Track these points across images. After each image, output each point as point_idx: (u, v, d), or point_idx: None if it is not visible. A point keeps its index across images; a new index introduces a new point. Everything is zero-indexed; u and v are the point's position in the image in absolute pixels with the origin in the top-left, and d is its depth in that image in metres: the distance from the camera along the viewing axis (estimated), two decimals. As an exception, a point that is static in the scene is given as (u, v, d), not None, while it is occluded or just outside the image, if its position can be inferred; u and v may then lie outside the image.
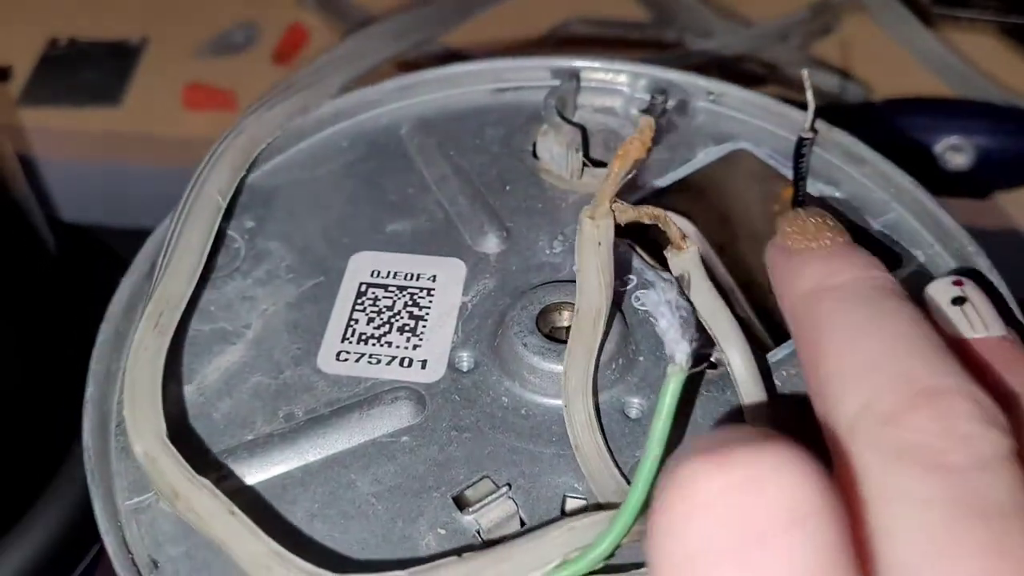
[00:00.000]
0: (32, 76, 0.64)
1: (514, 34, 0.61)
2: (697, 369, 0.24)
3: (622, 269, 0.29)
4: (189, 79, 0.64)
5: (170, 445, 0.23)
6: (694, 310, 0.25)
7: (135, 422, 0.24)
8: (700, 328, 0.20)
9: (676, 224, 0.24)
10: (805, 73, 0.30)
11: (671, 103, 0.35)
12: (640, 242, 0.31)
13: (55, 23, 0.68)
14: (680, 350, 0.19)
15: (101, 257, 0.59)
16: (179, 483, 0.22)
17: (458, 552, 0.22)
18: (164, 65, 0.66)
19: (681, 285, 0.25)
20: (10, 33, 0.68)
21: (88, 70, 0.66)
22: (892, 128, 0.54)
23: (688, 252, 0.24)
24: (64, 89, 0.64)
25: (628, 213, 0.23)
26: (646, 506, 0.19)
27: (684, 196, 0.35)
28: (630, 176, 0.23)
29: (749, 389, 0.25)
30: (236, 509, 0.22)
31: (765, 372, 0.26)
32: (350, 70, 0.34)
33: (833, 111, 0.56)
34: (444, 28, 0.54)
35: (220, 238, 0.31)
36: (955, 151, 0.53)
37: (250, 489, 0.25)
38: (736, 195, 0.37)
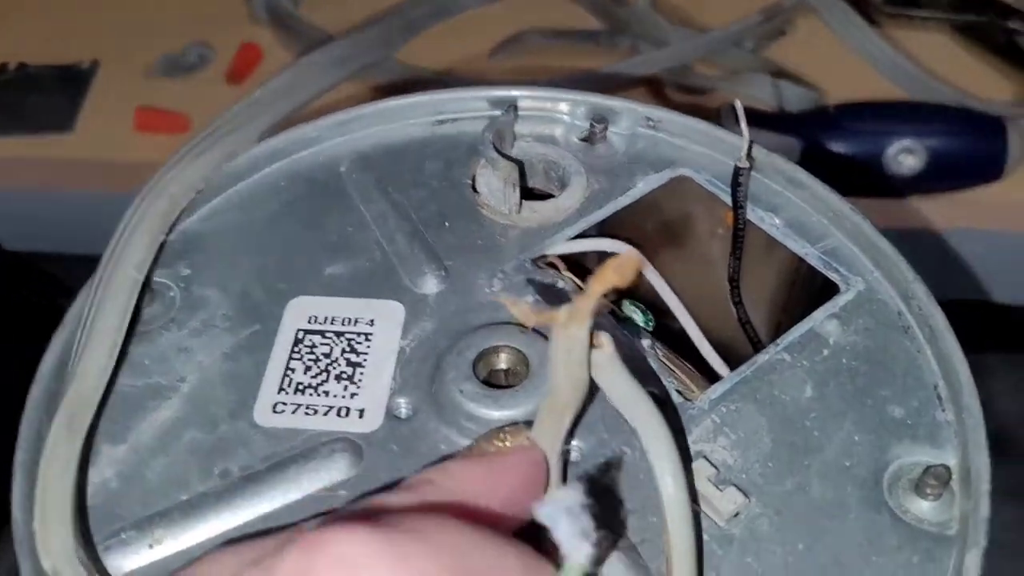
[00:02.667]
0: (-19, 104, 0.64)
1: (468, 49, 0.61)
2: (595, 570, 0.22)
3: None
4: (141, 102, 0.63)
5: (76, 561, 0.23)
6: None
7: (44, 538, 0.23)
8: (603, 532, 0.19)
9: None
10: (738, 103, 0.30)
11: (611, 129, 0.35)
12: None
13: (3, 47, 0.67)
14: (580, 550, 0.18)
15: (46, 286, 0.59)
16: None
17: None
18: (116, 88, 0.65)
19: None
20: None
21: (39, 95, 0.65)
22: (845, 132, 0.54)
23: (605, 350, 0.23)
24: (15, 116, 0.63)
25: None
26: None
27: (629, 220, 0.35)
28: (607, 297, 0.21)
29: (674, 511, 0.22)
30: None
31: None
32: (280, 108, 0.33)
33: (787, 117, 0.56)
34: (390, 49, 0.53)
35: (148, 284, 0.30)
36: (908, 153, 0.53)
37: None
38: (681, 217, 0.37)
